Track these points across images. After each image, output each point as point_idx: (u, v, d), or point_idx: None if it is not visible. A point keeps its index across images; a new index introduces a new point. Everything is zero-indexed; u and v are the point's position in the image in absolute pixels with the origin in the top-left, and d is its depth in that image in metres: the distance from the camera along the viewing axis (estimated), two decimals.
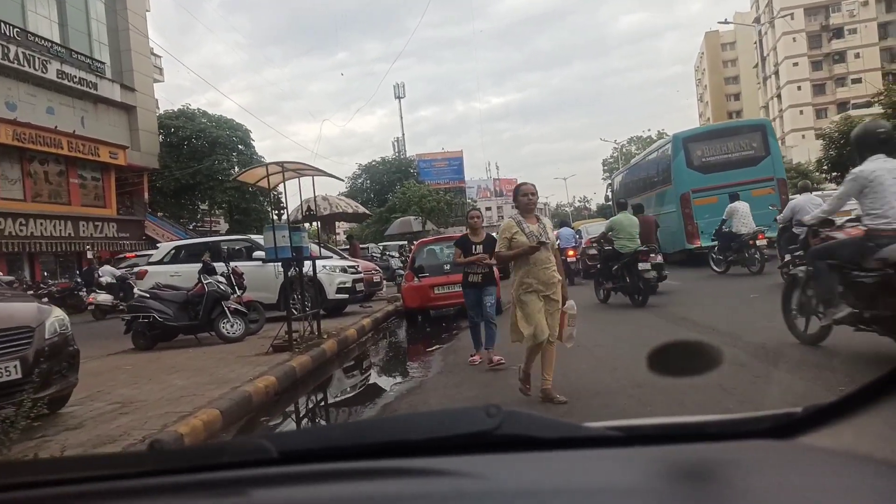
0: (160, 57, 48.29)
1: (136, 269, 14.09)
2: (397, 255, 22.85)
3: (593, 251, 13.34)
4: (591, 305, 10.40)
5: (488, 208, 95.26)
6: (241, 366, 6.97)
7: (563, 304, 4.97)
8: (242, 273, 9.95)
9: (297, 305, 10.16)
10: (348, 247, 18.15)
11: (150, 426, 4.55)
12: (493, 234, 6.57)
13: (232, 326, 9.13)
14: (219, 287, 9.06)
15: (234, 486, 0.87)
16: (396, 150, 57.40)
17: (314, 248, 14.17)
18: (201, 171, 30.92)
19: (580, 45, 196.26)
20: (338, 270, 12.00)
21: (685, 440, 0.92)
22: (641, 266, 9.77)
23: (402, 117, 63.42)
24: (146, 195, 30.18)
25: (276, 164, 8.13)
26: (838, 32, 67.21)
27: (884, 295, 4.77)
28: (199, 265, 10.08)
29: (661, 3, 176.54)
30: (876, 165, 5.07)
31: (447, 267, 11.35)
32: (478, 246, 6.85)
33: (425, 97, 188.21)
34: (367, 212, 24.33)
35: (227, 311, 9.05)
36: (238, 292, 9.62)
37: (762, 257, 12.31)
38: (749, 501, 0.75)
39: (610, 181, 32.71)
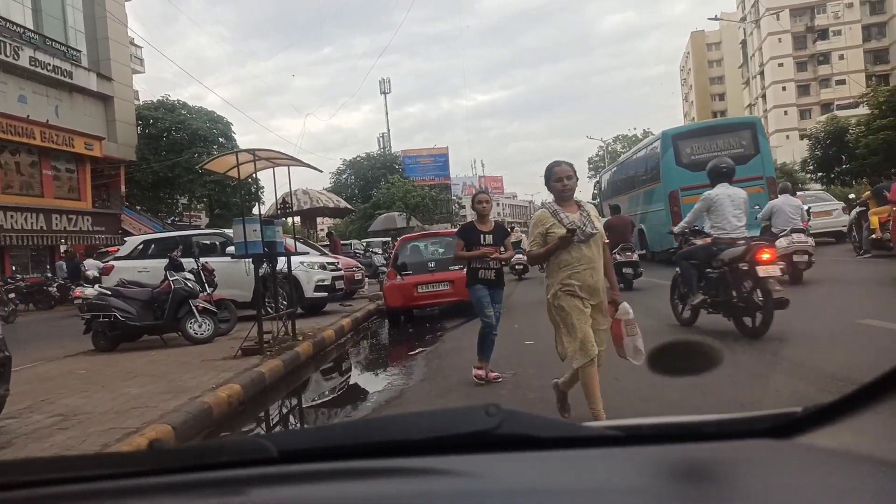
0: (140, 47, 47.42)
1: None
2: (380, 251, 22.35)
3: None
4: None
5: None
6: (204, 371, 6.36)
7: (616, 308, 4.02)
8: (213, 269, 9.31)
9: (272, 304, 9.60)
10: (328, 243, 17.57)
11: (89, 445, 3.98)
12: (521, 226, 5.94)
13: (200, 327, 8.50)
14: (186, 284, 8.43)
15: (234, 486, 0.86)
16: (381, 145, 56.75)
17: (290, 243, 13.60)
18: (180, 163, 30.12)
19: (567, 43, 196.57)
20: (316, 267, 11.40)
21: (685, 440, 0.92)
22: None
23: (387, 113, 63.06)
24: (123, 188, 29.39)
25: (248, 151, 7.52)
26: (823, 34, 67.60)
27: (722, 286, 6.49)
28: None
29: (646, 3, 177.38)
30: (720, 191, 6.73)
31: (431, 265, 10.87)
32: (487, 236, 5.64)
33: (412, 93, 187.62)
34: (350, 206, 23.76)
35: (195, 311, 8.43)
36: (208, 290, 9.00)
37: None
38: (749, 501, 0.74)
39: (598, 179, 32.42)
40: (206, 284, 8.99)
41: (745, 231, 6.62)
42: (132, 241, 12.30)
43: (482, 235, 5.64)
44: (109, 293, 8.61)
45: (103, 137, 26.89)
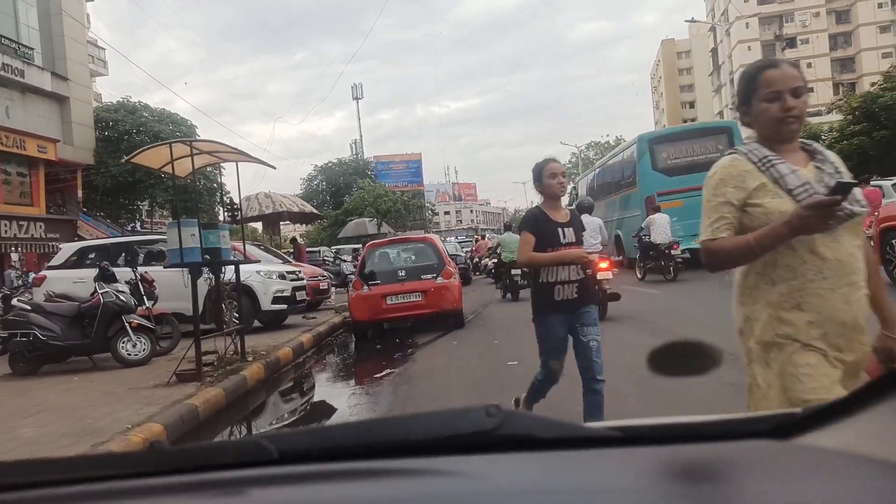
0: (104, 49, 45.84)
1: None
2: (350, 258, 21.36)
3: (492, 260, 17.76)
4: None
5: (447, 213, 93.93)
6: (126, 404, 5.31)
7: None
8: (153, 280, 8.20)
9: (226, 317, 8.56)
10: (293, 250, 16.54)
11: None
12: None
13: (134, 346, 7.38)
14: (118, 298, 7.32)
15: (234, 486, 0.85)
16: (354, 151, 55.71)
17: (251, 250, 12.53)
18: (141, 167, 28.76)
19: (540, 51, 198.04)
20: (274, 276, 10.33)
21: (685, 440, 0.91)
22: (514, 272, 13.19)
23: (359, 118, 61.87)
24: (79, 193, 28.10)
25: (183, 142, 6.50)
26: (791, 42, 68.52)
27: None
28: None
29: (616, 13, 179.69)
30: (585, 219, 9.59)
31: (402, 273, 9.95)
32: (565, 230, 3.73)
33: (386, 100, 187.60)
34: (316, 212, 22.66)
35: (129, 328, 7.33)
36: (147, 303, 7.91)
37: (676, 266, 13.57)
38: (749, 501, 0.74)
39: (574, 185, 31.91)
40: (144, 297, 7.90)
41: (598, 247, 9.35)
42: (67, 249, 11.07)
43: (560, 229, 3.71)
44: (29, 308, 7.48)
45: (58, 140, 25.66)
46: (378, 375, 6.76)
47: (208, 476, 0.86)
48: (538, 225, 3.72)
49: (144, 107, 31.78)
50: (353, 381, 7.31)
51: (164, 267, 7.22)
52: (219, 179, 29.73)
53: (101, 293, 7.34)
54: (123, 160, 7.45)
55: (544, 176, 3.75)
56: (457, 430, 0.86)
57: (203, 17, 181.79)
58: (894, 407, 0.80)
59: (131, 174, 28.73)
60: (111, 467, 0.99)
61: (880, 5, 64.33)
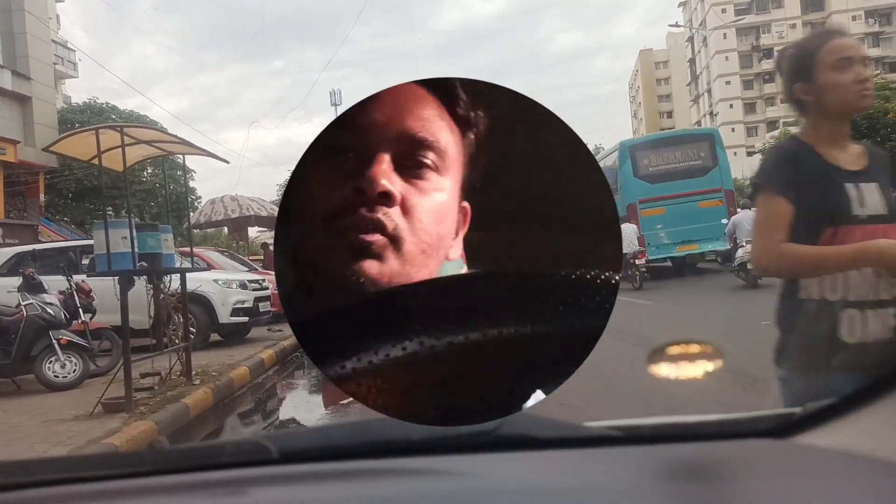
0: (74, 51, 44.56)
1: None
2: None
3: None
4: None
5: None
6: (30, 443, 4.34)
7: None
8: (90, 290, 7.20)
9: (178, 332, 7.60)
10: (262, 257, 15.61)
11: None
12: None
13: (62, 367, 6.39)
14: (45, 311, 6.35)
15: (234, 486, 0.86)
16: None
17: (213, 256, 11.60)
18: (107, 171, 27.62)
19: (518, 61, 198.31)
20: (234, 286, 9.38)
21: (685, 440, 0.91)
22: None
23: None
24: (42, 197, 26.95)
25: (112, 127, 5.59)
26: (768, 53, 69.19)
27: None
28: (55, 277, 7.34)
29: (594, 25, 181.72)
30: None
31: None
32: (861, 186, 1.61)
33: None
34: None
35: (56, 346, 6.36)
36: (83, 317, 6.94)
37: (641, 275, 13.85)
38: (749, 501, 0.73)
39: None
40: (80, 310, 6.92)
41: None
42: (1, 255, 10.03)
43: (853, 186, 1.61)
44: None
45: (19, 141, 24.58)
46: (344, 402, 5.85)
47: (208, 476, 0.86)
48: (801, 177, 1.63)
49: (112, 108, 30.82)
50: (316, 408, 6.36)
51: (88, 276, 6.29)
52: (189, 184, 28.77)
53: (25, 305, 6.36)
54: (42, 149, 6.54)
55: (820, 65, 1.63)
56: (457, 430, 0.84)
57: (181, 24, 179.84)
58: (892, 407, 0.78)
59: (97, 177, 27.62)
60: (111, 467, 0.98)
61: (854, 18, 65.18)
